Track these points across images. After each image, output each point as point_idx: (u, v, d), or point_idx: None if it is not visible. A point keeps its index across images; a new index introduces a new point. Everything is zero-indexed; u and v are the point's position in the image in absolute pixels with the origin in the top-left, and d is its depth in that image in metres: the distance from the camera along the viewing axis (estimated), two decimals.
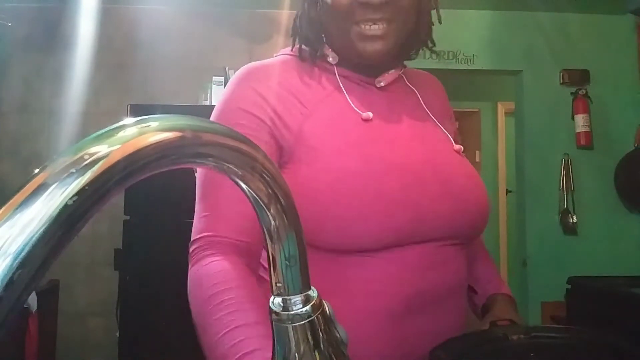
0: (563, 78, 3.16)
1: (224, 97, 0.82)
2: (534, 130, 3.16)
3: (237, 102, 0.79)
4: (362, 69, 0.84)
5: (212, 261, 0.71)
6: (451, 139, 0.86)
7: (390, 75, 0.86)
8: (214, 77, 2.73)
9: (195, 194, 0.78)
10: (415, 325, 0.74)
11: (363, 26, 0.77)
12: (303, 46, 0.86)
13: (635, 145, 3.08)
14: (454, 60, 3.00)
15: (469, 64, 3.04)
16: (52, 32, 2.99)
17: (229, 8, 3.12)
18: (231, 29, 3.13)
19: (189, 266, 0.74)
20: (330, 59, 0.85)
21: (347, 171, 0.73)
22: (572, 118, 3.12)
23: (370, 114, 0.79)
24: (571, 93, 3.14)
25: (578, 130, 3.09)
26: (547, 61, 3.17)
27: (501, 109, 4.84)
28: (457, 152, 0.85)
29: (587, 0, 3.03)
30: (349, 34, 0.79)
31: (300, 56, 0.86)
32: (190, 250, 0.75)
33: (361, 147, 0.76)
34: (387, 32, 0.78)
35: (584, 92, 3.11)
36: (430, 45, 0.89)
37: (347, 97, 0.81)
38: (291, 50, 0.87)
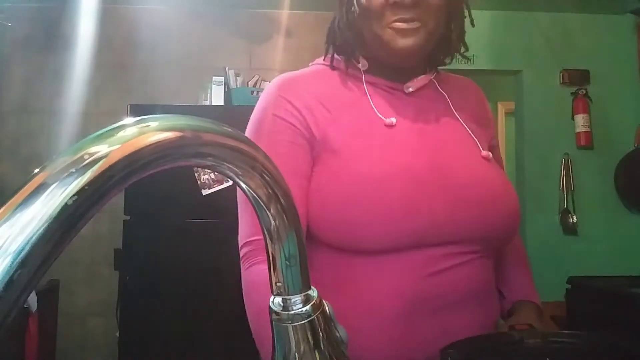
0: (563, 78, 3.16)
1: (260, 106, 0.85)
2: (534, 130, 3.16)
3: (273, 110, 0.82)
4: (391, 74, 0.85)
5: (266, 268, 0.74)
6: (479, 145, 0.85)
7: (420, 80, 0.86)
8: (214, 77, 2.73)
9: (238, 195, 0.81)
10: (420, 327, 0.74)
11: (395, 24, 0.79)
12: (336, 55, 0.88)
13: (635, 145, 3.08)
14: (454, 60, 2.98)
15: (468, 63, 3.03)
16: (52, 32, 2.99)
17: (229, 8, 3.12)
18: (231, 29, 3.13)
19: (243, 269, 0.78)
20: (360, 66, 0.86)
21: (361, 174, 0.74)
22: (572, 118, 3.11)
23: (393, 120, 0.81)
24: (571, 93, 3.14)
25: (578, 130, 3.09)
26: (547, 61, 3.16)
27: (501, 109, 4.84)
28: (485, 158, 0.83)
29: (587, 0, 3.03)
30: (383, 34, 0.80)
31: (332, 65, 0.88)
32: (242, 253, 0.79)
33: (380, 151, 0.77)
34: (418, 29, 0.79)
35: (584, 92, 3.11)
36: (463, 50, 0.89)
37: (372, 104, 0.83)
38: (324, 59, 0.89)
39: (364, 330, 0.73)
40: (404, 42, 0.80)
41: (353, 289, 0.75)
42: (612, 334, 0.71)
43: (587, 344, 0.68)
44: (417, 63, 0.86)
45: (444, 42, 0.86)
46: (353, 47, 0.86)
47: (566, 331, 0.72)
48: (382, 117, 0.81)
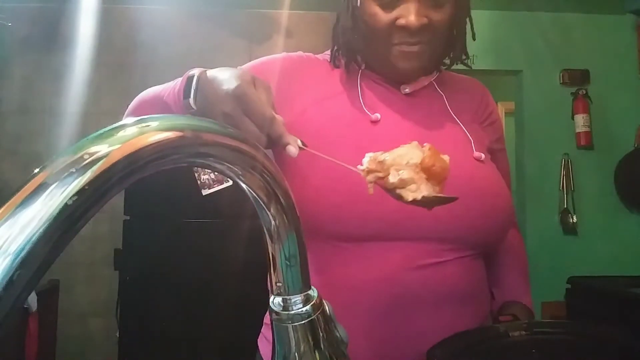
0: (563, 78, 3.16)
1: (269, 57, 0.89)
2: (534, 130, 3.16)
3: (271, 62, 0.87)
4: (389, 75, 0.86)
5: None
6: (472, 145, 0.84)
7: (418, 83, 0.87)
8: None
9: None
10: (399, 326, 0.73)
11: (400, 47, 0.79)
12: (338, 53, 0.89)
13: (635, 145, 3.08)
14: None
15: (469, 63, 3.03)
16: (52, 32, 2.99)
17: (229, 8, 3.12)
18: (231, 29, 3.13)
19: None
20: (357, 65, 0.87)
21: (337, 158, 0.74)
22: (572, 118, 3.11)
23: (378, 116, 0.81)
24: (571, 93, 3.13)
25: (578, 130, 3.08)
26: (547, 61, 3.16)
27: (501, 109, 4.83)
28: (477, 159, 0.82)
29: (587, 0, 3.03)
30: (387, 53, 0.81)
31: (334, 64, 0.89)
32: None
33: (359, 142, 0.77)
34: (423, 51, 0.80)
35: (584, 92, 3.11)
36: (463, 58, 0.89)
37: (360, 97, 0.83)
38: (330, 59, 0.90)
39: (346, 326, 0.72)
40: (407, 65, 0.81)
41: (328, 286, 0.73)
42: (613, 327, 0.71)
43: (571, 333, 0.68)
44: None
45: (447, 48, 0.87)
46: (354, 52, 0.86)
47: (550, 320, 0.72)
48: (368, 112, 0.81)
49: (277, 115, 0.59)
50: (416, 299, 0.73)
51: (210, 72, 0.63)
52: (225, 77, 0.60)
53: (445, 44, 0.84)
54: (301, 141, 0.60)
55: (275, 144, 0.59)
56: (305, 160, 0.77)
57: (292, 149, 0.59)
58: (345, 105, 0.82)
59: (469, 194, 0.77)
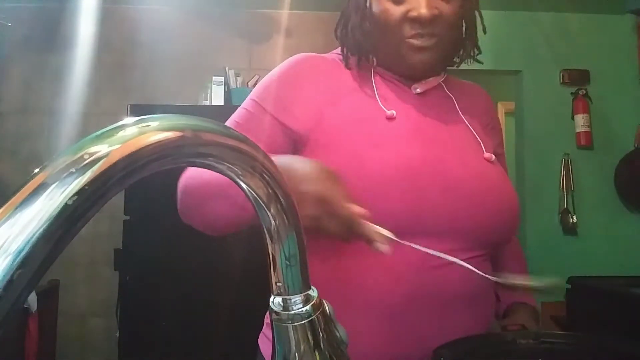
0: (563, 78, 3.16)
1: (278, 68, 0.89)
2: (534, 130, 3.16)
3: (280, 73, 0.86)
4: (401, 74, 0.87)
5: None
6: (482, 146, 0.85)
7: (428, 83, 0.88)
8: (214, 77, 2.73)
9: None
10: (415, 323, 0.73)
11: (412, 40, 0.80)
12: (348, 53, 0.89)
13: (635, 145, 3.08)
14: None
15: (468, 63, 3.02)
16: (52, 32, 2.99)
17: (229, 8, 3.12)
18: (231, 29, 3.13)
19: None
20: (370, 63, 0.88)
21: (354, 153, 0.75)
22: (572, 118, 3.11)
23: (394, 112, 0.82)
24: (571, 93, 3.13)
25: (578, 130, 3.08)
26: (547, 61, 3.16)
27: (501, 109, 4.83)
28: (487, 159, 0.84)
29: (587, 0, 3.03)
30: (399, 47, 0.82)
31: (346, 64, 0.89)
32: None
33: (377, 139, 0.78)
34: (434, 44, 0.81)
35: (584, 92, 3.11)
36: (475, 53, 0.90)
37: (376, 94, 0.84)
38: (342, 59, 0.91)
39: (352, 327, 0.72)
40: (420, 58, 0.81)
41: (342, 285, 0.75)
42: (608, 334, 0.71)
43: (579, 345, 0.68)
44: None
45: (457, 45, 0.88)
46: (366, 50, 0.87)
47: (558, 332, 0.72)
48: (384, 109, 0.82)
49: (356, 208, 0.60)
50: (426, 299, 0.74)
51: (283, 164, 0.63)
52: (303, 176, 0.61)
53: (456, 39, 0.85)
54: (388, 231, 0.61)
55: (360, 239, 0.61)
56: (321, 158, 0.77)
57: (382, 246, 0.60)
58: (360, 101, 0.83)
59: (478, 191, 0.79)
